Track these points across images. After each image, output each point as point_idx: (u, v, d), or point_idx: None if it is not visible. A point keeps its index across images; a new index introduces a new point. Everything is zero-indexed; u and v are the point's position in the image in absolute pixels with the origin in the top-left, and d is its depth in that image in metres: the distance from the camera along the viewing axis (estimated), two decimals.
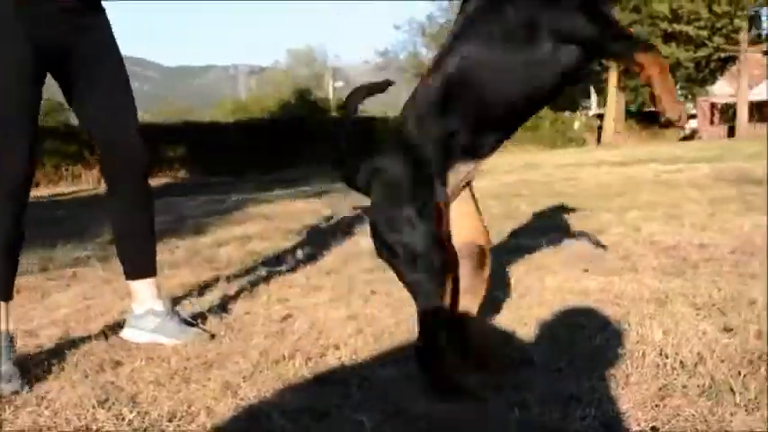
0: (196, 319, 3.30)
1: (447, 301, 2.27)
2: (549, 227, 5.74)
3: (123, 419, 2.23)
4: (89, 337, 3.19)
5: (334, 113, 38.62)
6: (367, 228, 2.42)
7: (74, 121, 22.70)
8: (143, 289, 3.20)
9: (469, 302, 2.47)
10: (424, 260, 2.22)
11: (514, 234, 5.50)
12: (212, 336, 3.10)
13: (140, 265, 3.21)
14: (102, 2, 2.98)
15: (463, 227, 2.46)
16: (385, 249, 2.30)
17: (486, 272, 2.49)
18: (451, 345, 2.42)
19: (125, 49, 3.09)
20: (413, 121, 2.34)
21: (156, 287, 3.23)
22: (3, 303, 2.75)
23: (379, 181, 2.32)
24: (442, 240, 2.26)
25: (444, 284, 2.25)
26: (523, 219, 6.35)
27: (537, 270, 4.06)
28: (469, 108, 2.28)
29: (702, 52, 33.29)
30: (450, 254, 2.31)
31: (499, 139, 2.39)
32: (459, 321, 2.45)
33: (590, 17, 2.17)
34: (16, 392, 2.53)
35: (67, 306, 3.91)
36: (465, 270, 2.45)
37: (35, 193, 6.95)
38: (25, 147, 2.70)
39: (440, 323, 2.28)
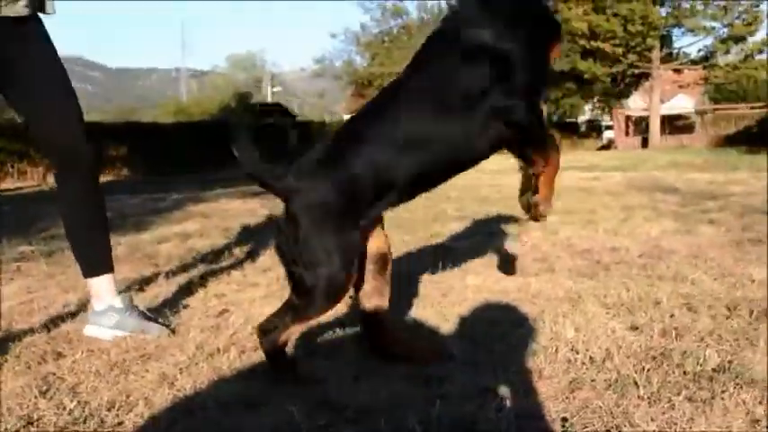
0: (153, 313, 3.25)
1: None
2: (473, 230, 5.82)
3: (64, 409, 2.22)
4: (32, 330, 3.15)
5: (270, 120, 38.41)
6: None
7: (18, 118, 22.15)
8: (101, 285, 3.14)
9: (379, 302, 2.54)
10: (323, 289, 2.26)
11: (440, 236, 5.56)
12: (172, 330, 3.06)
13: (97, 262, 3.15)
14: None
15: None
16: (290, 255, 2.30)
17: (389, 274, 2.58)
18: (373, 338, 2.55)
19: (70, 50, 3.06)
20: (350, 153, 2.33)
21: (113, 283, 3.18)
22: None
23: (305, 201, 2.30)
24: (345, 276, 2.29)
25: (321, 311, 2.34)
26: (450, 222, 6.42)
27: (460, 270, 4.12)
28: (394, 163, 2.30)
29: (618, 68, 33.98)
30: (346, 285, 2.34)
31: (418, 191, 2.45)
32: (374, 319, 2.54)
33: (529, 106, 2.28)
34: None
35: (11, 299, 3.83)
36: (371, 274, 2.53)
37: None
38: None
39: (304, 322, 2.39)
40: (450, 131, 2.31)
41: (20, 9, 2.81)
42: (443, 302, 3.35)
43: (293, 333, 2.41)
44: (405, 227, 5.95)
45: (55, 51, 2.96)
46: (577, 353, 2.51)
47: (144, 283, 4.21)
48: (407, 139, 2.29)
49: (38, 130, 2.97)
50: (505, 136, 2.33)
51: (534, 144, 2.38)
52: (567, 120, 45.42)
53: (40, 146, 3.02)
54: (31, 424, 2.13)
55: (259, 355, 2.66)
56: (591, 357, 2.47)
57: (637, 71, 34.90)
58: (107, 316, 3.07)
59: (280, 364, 2.40)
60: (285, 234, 2.30)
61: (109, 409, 2.21)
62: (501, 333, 2.80)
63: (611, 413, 2.03)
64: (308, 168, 2.34)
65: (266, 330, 2.37)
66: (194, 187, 13.64)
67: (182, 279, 4.27)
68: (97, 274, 3.14)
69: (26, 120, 2.97)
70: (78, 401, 2.28)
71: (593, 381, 2.27)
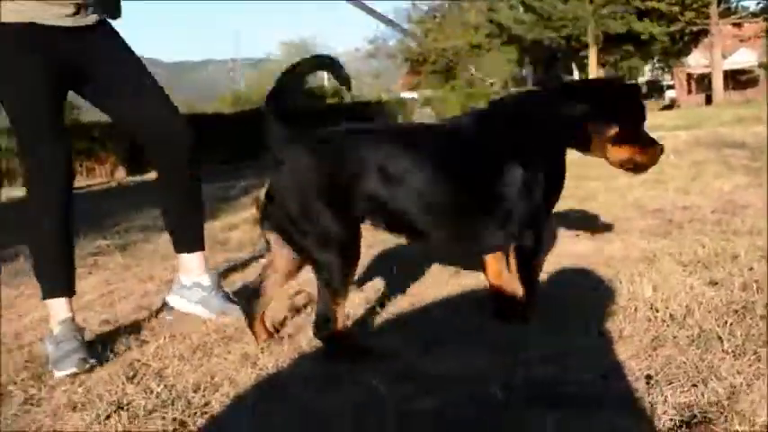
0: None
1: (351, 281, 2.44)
2: None
3: (151, 392, 2.25)
4: (114, 320, 3.21)
5: (329, 100, 38.47)
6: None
7: (84, 118, 22.65)
8: (192, 261, 3.19)
9: None
10: (337, 245, 2.34)
11: None
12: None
13: (190, 239, 3.19)
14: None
15: None
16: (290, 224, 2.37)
17: None
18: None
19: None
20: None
21: (203, 261, 3.21)
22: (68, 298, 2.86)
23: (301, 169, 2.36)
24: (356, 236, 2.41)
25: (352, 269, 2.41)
26: None
27: None
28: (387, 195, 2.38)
29: (675, 26, 33.15)
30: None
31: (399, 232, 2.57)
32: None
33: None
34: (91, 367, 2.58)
35: (91, 292, 3.91)
36: None
37: None
38: (64, 152, 2.78)
39: (342, 298, 2.38)
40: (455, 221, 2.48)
41: (93, 18, 2.86)
42: None
43: (341, 315, 2.39)
44: None
45: (127, 47, 3.01)
46: (657, 311, 2.46)
47: (218, 265, 4.26)
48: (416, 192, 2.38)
49: (130, 125, 3.01)
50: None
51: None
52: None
53: (137, 138, 3.05)
54: (122, 408, 2.17)
55: None
56: (671, 315, 2.41)
57: (695, 28, 33.94)
58: (193, 290, 3.12)
59: (349, 351, 2.39)
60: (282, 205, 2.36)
61: (195, 391, 2.23)
62: (578, 296, 2.76)
63: (697, 368, 1.98)
64: (309, 141, 2.42)
65: (319, 327, 2.40)
66: (259, 174, 13.77)
67: (254, 263, 4.31)
68: (189, 251, 3.19)
69: (116, 118, 3.02)
70: (165, 385, 2.31)
71: (674, 337, 2.22)
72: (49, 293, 2.84)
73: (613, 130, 2.50)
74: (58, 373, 2.56)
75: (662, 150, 2.62)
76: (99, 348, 2.76)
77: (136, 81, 2.97)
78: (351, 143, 2.41)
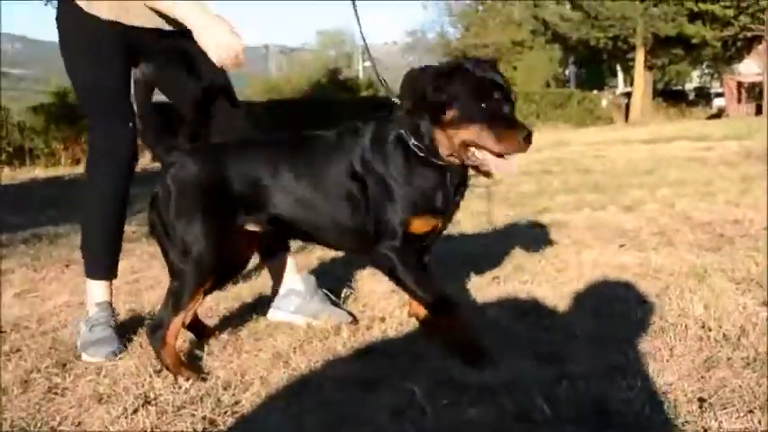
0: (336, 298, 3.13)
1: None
2: (582, 203, 5.70)
3: (180, 388, 2.25)
4: (141, 309, 3.22)
5: (363, 92, 38.53)
6: None
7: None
8: (280, 267, 3.07)
9: None
10: (196, 260, 2.43)
11: (549, 210, 5.47)
12: (354, 318, 2.91)
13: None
14: None
15: None
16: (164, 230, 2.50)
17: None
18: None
19: None
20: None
21: (292, 264, 3.10)
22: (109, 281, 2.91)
23: (181, 175, 2.48)
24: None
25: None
26: (556, 195, 6.31)
27: (573, 245, 4.04)
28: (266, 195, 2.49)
29: (729, 31, 32.70)
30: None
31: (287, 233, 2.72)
32: None
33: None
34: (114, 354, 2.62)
35: (117, 280, 3.91)
36: None
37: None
38: (129, 130, 2.79)
39: (182, 311, 2.43)
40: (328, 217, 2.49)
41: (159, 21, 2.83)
42: (559, 278, 3.28)
43: (176, 326, 2.43)
44: (510, 201, 5.87)
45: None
46: (709, 330, 2.43)
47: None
48: (291, 193, 2.49)
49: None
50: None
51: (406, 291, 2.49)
52: (674, 87, 44.02)
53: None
54: (149, 403, 2.17)
55: (372, 334, 2.67)
56: (724, 335, 2.38)
57: (749, 34, 33.41)
58: (287, 299, 3.00)
59: (171, 362, 2.40)
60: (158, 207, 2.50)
61: (225, 389, 2.23)
62: (624, 310, 2.73)
63: (753, 393, 1.95)
64: (195, 150, 2.55)
65: (152, 331, 2.44)
66: None
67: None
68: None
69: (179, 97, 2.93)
70: (193, 381, 2.30)
71: (729, 359, 2.19)
72: (91, 273, 2.89)
73: (451, 113, 2.24)
74: (86, 357, 2.60)
75: (528, 136, 2.16)
76: (125, 338, 2.78)
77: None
78: (233, 154, 2.53)
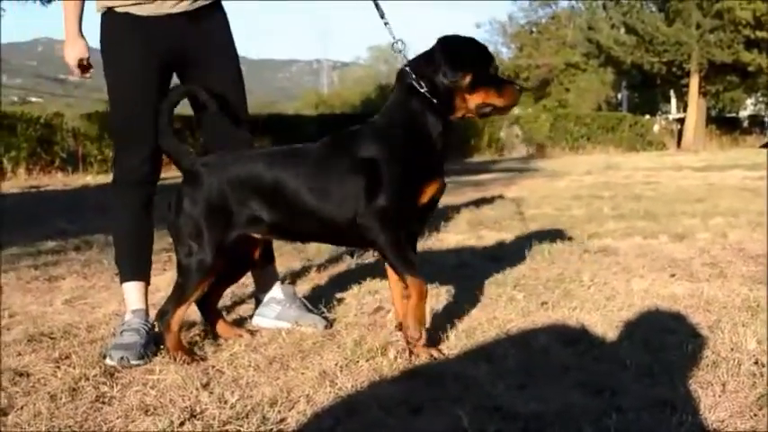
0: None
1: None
2: (632, 229, 5.63)
3: (226, 403, 2.25)
4: (188, 321, 3.25)
5: None
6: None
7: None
8: (264, 276, 3.29)
9: None
10: (198, 262, 2.76)
11: (598, 236, 5.41)
12: (330, 323, 3.14)
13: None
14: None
15: None
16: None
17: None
18: None
19: None
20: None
21: (275, 274, 3.33)
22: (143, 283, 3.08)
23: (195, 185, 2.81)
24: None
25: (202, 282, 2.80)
26: (606, 221, 6.24)
27: (623, 273, 3.99)
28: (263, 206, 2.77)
29: None
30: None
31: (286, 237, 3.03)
32: None
33: (384, 227, 2.63)
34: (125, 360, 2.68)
35: (165, 290, 3.95)
36: None
37: None
38: (149, 145, 2.96)
39: (185, 302, 2.79)
40: (322, 216, 2.74)
41: (187, 5, 2.95)
42: (609, 306, 3.24)
43: (179, 315, 2.78)
44: (560, 225, 5.82)
45: (229, 37, 3.13)
46: (763, 366, 2.38)
47: (295, 276, 4.29)
48: (286, 199, 2.75)
49: (205, 120, 3.11)
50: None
51: (393, 266, 2.72)
52: (728, 114, 43.29)
53: (205, 135, 3.19)
54: (195, 417, 2.18)
55: (420, 357, 2.65)
56: None
57: None
58: (269, 307, 3.20)
59: (171, 346, 2.75)
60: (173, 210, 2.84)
61: (271, 405, 2.23)
62: (675, 342, 2.68)
63: None
64: (211, 161, 2.86)
65: (161, 316, 2.79)
66: None
67: (333, 273, 4.32)
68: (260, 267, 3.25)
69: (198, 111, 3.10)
70: (240, 396, 2.31)
71: None
72: (124, 277, 3.05)
73: (467, 78, 2.69)
74: (107, 361, 2.70)
75: (520, 90, 2.80)
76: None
77: (222, 76, 3.08)
78: (237, 165, 2.81)
